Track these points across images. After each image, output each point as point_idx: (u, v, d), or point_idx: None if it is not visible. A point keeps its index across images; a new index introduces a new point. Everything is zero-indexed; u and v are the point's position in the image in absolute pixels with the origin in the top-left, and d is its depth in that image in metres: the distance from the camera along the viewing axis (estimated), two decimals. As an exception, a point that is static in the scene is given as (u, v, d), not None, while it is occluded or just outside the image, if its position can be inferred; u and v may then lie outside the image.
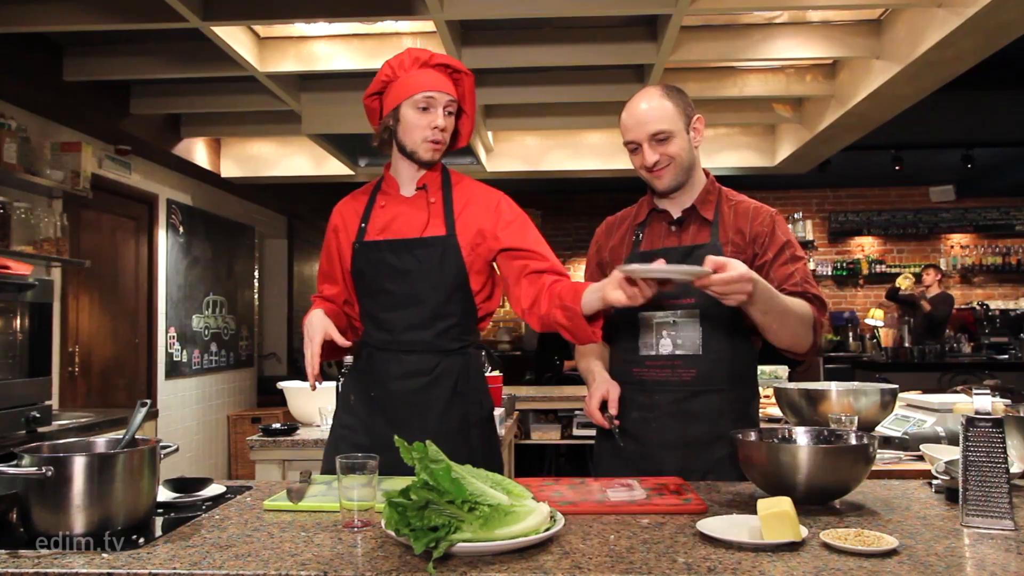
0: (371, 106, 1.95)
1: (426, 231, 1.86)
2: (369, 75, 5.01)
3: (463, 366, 1.88)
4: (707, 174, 1.91)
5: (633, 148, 1.83)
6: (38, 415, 3.17)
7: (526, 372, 7.53)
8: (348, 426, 1.94)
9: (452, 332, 1.86)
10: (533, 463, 5.16)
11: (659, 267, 1.53)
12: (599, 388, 1.80)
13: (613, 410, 1.77)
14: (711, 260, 1.52)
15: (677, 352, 1.81)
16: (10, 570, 1.12)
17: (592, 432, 2.73)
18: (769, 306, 1.64)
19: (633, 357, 1.85)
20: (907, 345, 7.45)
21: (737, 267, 1.51)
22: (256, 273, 7.47)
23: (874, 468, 1.67)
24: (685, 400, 1.80)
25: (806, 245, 8.86)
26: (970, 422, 1.34)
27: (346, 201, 2.01)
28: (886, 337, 7.65)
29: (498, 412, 2.66)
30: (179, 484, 1.58)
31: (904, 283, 7.66)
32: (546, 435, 4.58)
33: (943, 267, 8.74)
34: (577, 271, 9.00)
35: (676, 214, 1.88)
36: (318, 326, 1.80)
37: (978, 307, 8.26)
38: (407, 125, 1.85)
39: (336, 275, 1.98)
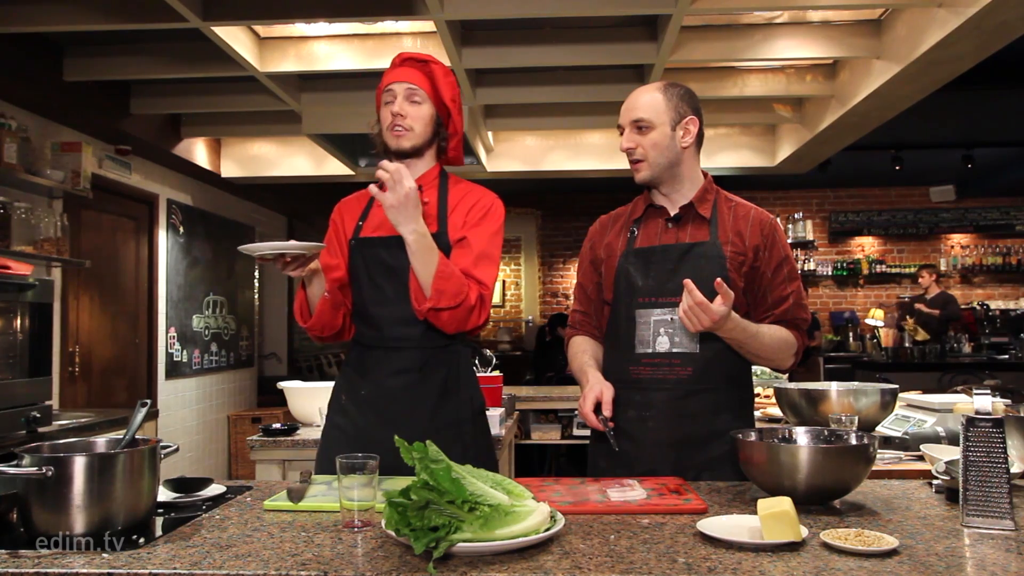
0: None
1: None
2: (369, 75, 4.97)
3: (452, 362, 1.91)
4: (705, 175, 1.91)
5: (621, 131, 1.88)
6: (38, 415, 3.17)
7: (526, 372, 7.53)
8: (339, 427, 1.96)
9: (440, 329, 1.88)
10: (533, 463, 5.16)
11: (271, 244, 1.74)
12: (592, 389, 1.80)
13: (607, 412, 1.77)
14: (688, 284, 1.63)
15: (674, 350, 1.80)
16: (10, 570, 1.12)
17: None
18: (741, 344, 1.77)
19: (629, 355, 1.85)
20: (907, 345, 7.46)
21: (717, 309, 1.62)
22: (256, 273, 7.47)
23: (874, 468, 1.67)
24: (681, 399, 1.80)
25: (806, 245, 8.86)
26: (970, 422, 1.34)
27: (348, 199, 2.07)
28: (886, 337, 7.66)
29: (498, 412, 2.66)
30: (179, 484, 1.58)
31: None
32: (546, 435, 4.58)
33: (943, 267, 8.74)
34: (577, 271, 8.98)
35: (673, 211, 1.88)
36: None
37: (978, 307, 8.26)
38: (380, 121, 1.95)
39: (342, 266, 1.99)
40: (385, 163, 1.75)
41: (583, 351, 1.96)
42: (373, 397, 1.90)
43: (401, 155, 1.93)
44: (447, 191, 1.96)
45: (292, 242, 1.77)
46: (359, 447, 1.85)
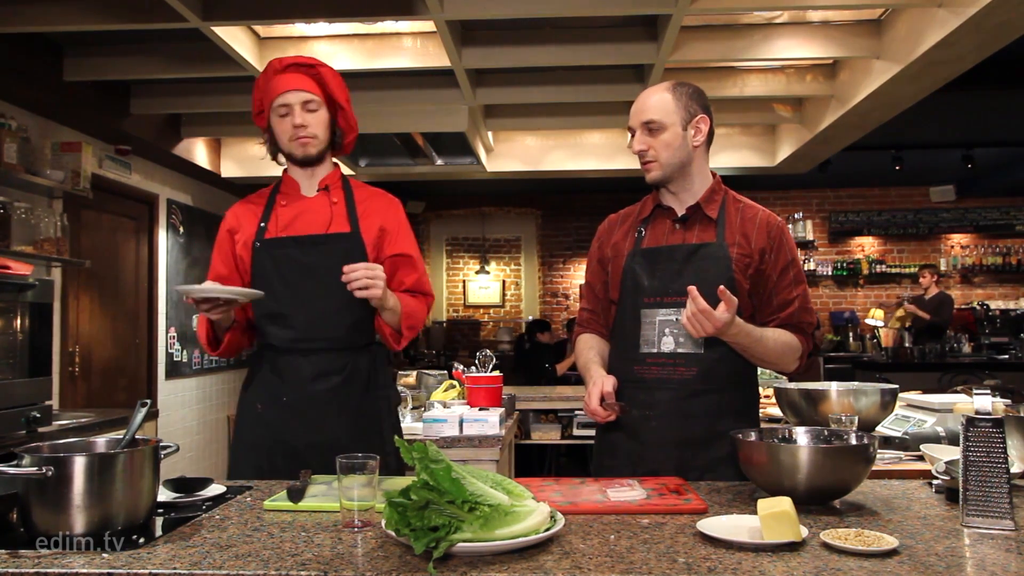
0: (262, 126, 2.02)
1: (330, 228, 1.94)
2: (369, 75, 4.95)
3: (371, 362, 1.98)
4: (714, 175, 1.91)
5: (632, 133, 1.88)
6: (38, 415, 3.17)
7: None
8: (259, 436, 1.94)
9: (360, 327, 1.93)
10: (533, 463, 5.15)
11: (213, 287, 1.72)
12: (596, 385, 1.82)
13: (611, 400, 1.78)
14: (692, 291, 1.63)
15: (679, 350, 1.80)
16: (10, 570, 1.12)
17: (592, 432, 2.73)
18: (745, 348, 1.77)
19: (634, 354, 1.85)
20: (907, 345, 7.46)
21: (720, 316, 1.62)
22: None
23: (874, 468, 1.67)
24: (685, 399, 1.80)
25: (806, 245, 8.86)
26: (970, 422, 1.34)
27: (241, 204, 2.06)
28: (886, 337, 7.66)
29: (498, 412, 2.66)
30: (179, 484, 1.58)
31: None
32: (546, 435, 4.58)
33: (943, 267, 8.74)
34: (578, 270, 9.00)
35: (680, 211, 1.88)
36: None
37: (978, 307, 8.26)
38: (277, 133, 1.96)
39: (235, 278, 1.99)
40: (357, 266, 1.80)
41: (589, 348, 1.98)
42: (297, 403, 1.90)
43: (307, 162, 1.98)
44: (351, 191, 2.02)
45: (232, 288, 1.78)
46: (285, 452, 1.87)
